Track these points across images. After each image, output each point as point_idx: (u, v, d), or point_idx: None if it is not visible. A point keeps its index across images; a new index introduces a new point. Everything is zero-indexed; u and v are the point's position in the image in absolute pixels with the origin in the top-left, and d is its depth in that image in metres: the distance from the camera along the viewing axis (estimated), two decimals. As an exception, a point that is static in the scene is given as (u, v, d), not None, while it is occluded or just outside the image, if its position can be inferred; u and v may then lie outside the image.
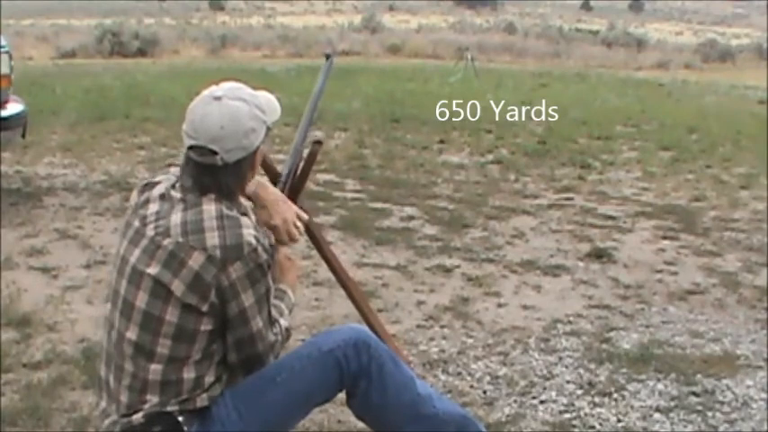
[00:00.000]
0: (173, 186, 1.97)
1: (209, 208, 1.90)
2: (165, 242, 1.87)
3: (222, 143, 1.90)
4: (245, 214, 1.96)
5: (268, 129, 2.00)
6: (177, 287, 1.85)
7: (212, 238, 1.85)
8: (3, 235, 4.89)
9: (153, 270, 1.87)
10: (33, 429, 2.77)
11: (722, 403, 3.13)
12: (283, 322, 2.08)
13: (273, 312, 2.02)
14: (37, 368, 3.20)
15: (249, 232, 1.89)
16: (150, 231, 1.91)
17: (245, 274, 1.88)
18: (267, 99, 2.03)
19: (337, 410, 2.82)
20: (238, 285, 1.88)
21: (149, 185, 2.02)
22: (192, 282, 1.85)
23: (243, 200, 2.04)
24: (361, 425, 2.47)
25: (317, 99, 2.46)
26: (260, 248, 1.89)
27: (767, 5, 53.41)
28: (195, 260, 1.85)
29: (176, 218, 1.90)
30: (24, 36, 23.75)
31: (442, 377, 3.28)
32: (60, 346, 3.42)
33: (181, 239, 1.86)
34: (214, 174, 1.92)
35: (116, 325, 1.94)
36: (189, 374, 1.90)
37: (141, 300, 1.88)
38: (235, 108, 1.92)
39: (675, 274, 4.70)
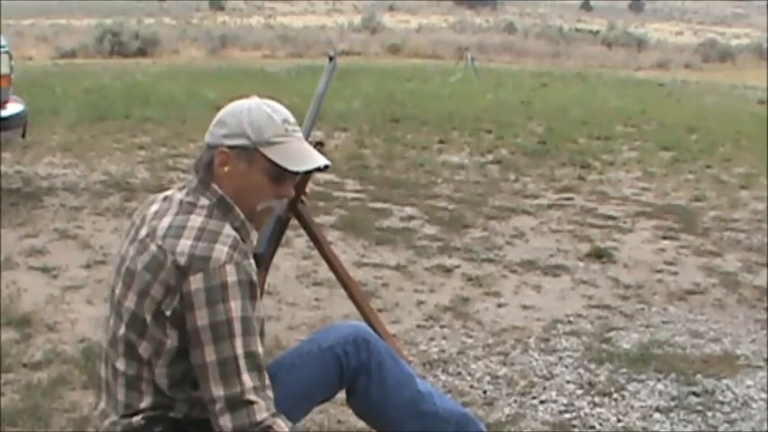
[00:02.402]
0: (181, 188, 1.94)
1: (197, 218, 1.84)
2: (151, 245, 1.85)
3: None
4: (237, 229, 1.86)
5: (248, 149, 1.85)
6: (156, 291, 1.82)
7: (184, 246, 1.79)
8: (3, 235, 4.89)
9: (139, 271, 1.85)
10: (33, 429, 2.77)
11: (722, 403, 3.13)
12: (266, 408, 1.78)
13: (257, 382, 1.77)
14: (37, 368, 3.20)
15: (222, 249, 1.78)
16: (143, 231, 1.90)
17: (204, 288, 1.76)
18: (274, 130, 1.87)
19: (337, 410, 2.82)
20: (194, 298, 1.77)
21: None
22: (166, 286, 1.79)
23: (241, 213, 1.90)
24: (361, 424, 2.47)
25: (319, 100, 2.45)
26: (229, 267, 1.77)
27: (767, 5, 53.41)
28: (169, 264, 1.79)
29: (166, 221, 1.86)
30: (24, 36, 23.75)
31: (442, 377, 3.28)
32: (60, 346, 3.41)
33: (160, 242, 1.83)
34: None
35: (111, 324, 1.93)
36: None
37: (131, 300, 1.86)
38: (242, 103, 1.90)
39: (675, 274, 4.70)
